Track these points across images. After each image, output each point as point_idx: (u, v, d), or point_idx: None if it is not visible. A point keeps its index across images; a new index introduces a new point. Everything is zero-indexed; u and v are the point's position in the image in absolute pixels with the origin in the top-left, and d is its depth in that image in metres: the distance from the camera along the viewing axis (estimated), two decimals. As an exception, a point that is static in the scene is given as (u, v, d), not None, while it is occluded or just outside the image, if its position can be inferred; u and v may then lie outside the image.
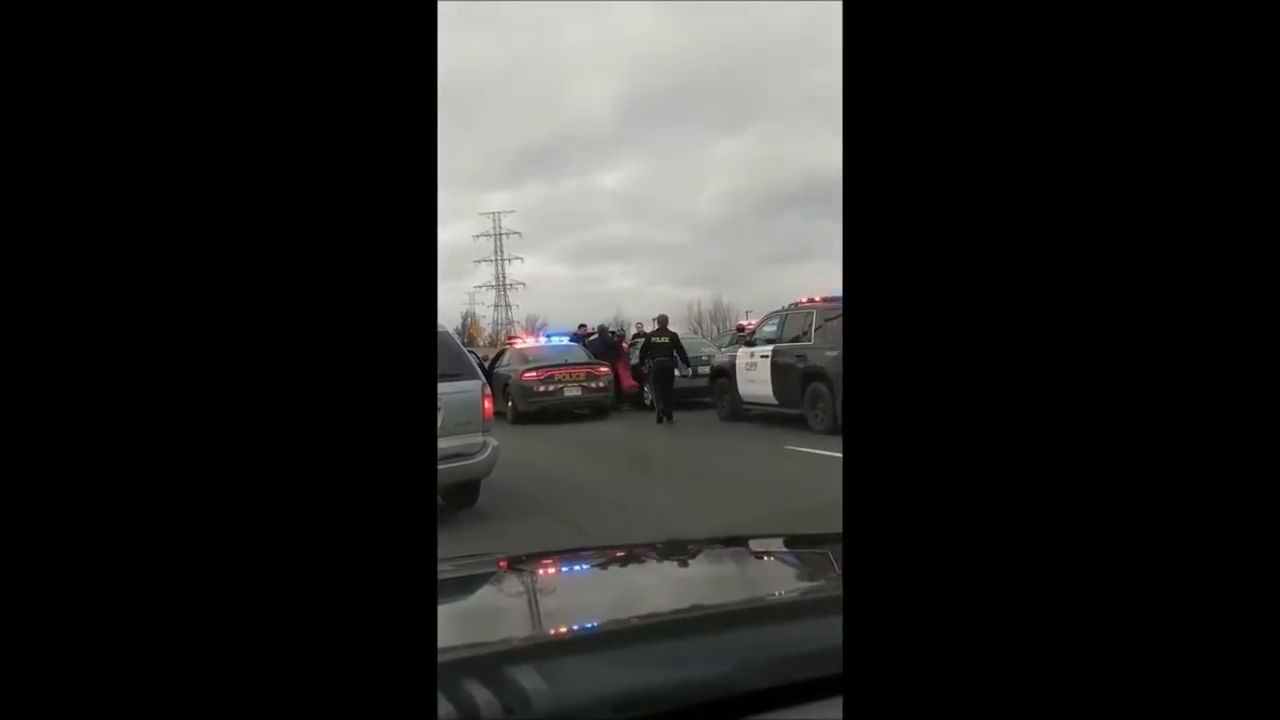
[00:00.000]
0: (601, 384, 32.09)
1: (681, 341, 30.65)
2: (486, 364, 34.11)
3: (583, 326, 39.80)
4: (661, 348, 29.61)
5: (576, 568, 4.01)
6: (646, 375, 30.67)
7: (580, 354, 33.79)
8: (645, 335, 32.60)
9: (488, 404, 15.89)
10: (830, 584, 3.31)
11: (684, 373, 29.80)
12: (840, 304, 24.69)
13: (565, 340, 36.53)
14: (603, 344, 35.51)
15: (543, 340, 37.20)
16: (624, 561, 4.08)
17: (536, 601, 3.36)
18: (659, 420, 28.61)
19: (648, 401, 31.50)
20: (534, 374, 32.54)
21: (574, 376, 31.75)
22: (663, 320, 31.14)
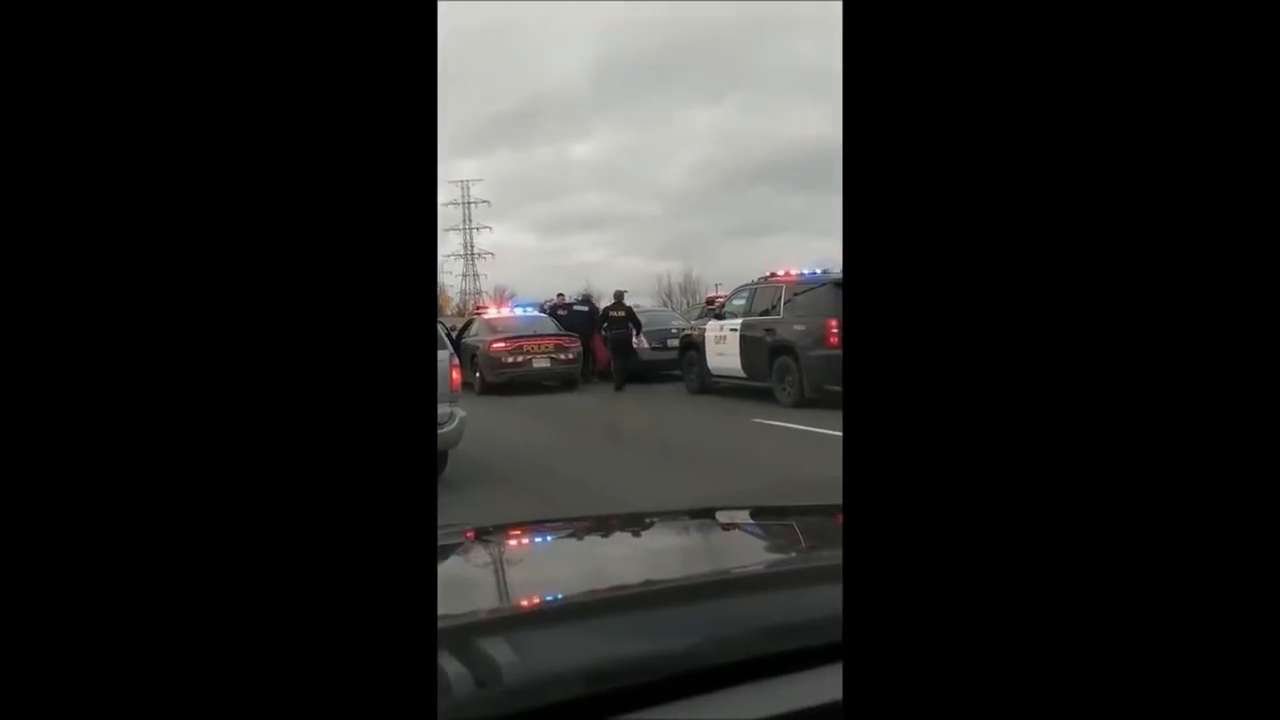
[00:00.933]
0: (570, 356, 31.78)
1: (636, 314, 32.48)
2: (454, 334, 33.27)
3: (560, 296, 38.80)
4: (618, 320, 31.57)
5: (545, 539, 4.00)
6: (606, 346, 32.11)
7: (549, 325, 33.36)
8: (603, 310, 33.33)
9: (455, 374, 15.78)
10: (799, 556, 3.31)
11: (639, 343, 31.67)
12: (810, 279, 24.76)
13: (534, 311, 36.21)
14: (587, 317, 34.65)
15: (511, 311, 36.99)
16: (592, 533, 4.07)
17: (505, 573, 3.34)
18: (618, 388, 30.02)
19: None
20: (502, 345, 32.25)
21: (543, 348, 31.46)
22: (619, 295, 32.62)
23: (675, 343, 31.63)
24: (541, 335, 32.04)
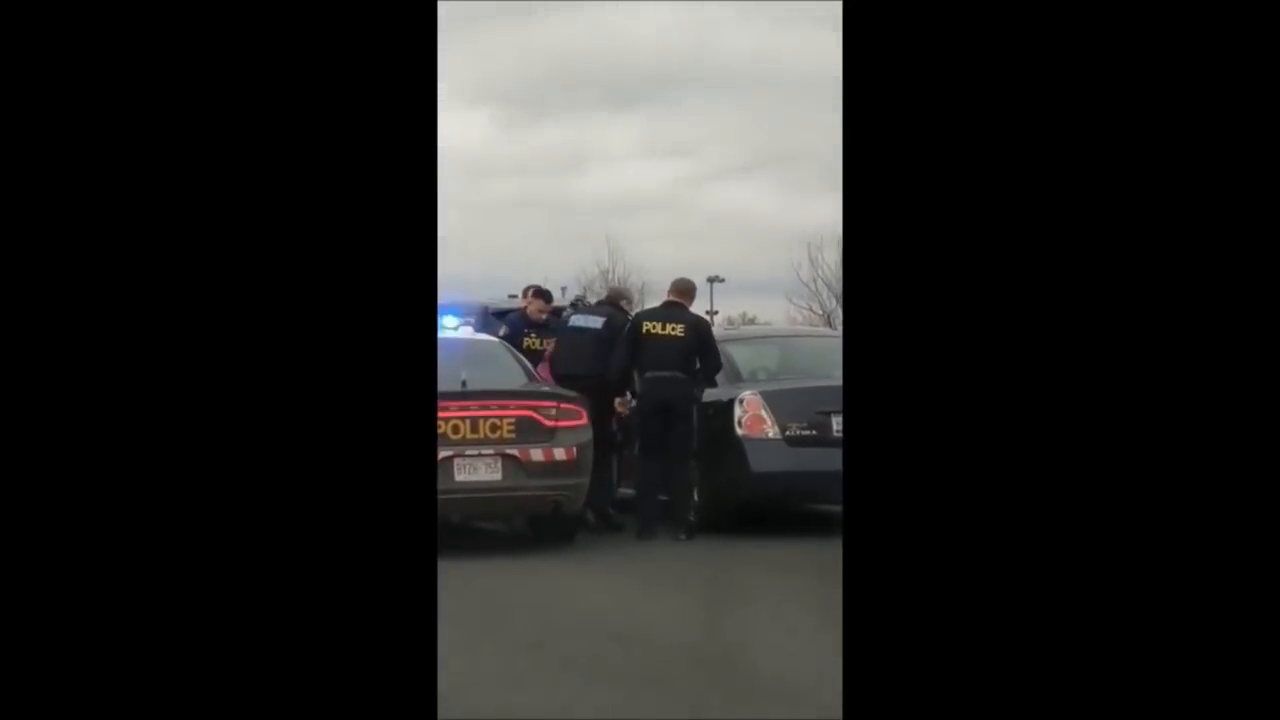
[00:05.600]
0: (562, 452, 12.78)
1: (708, 335, 14.48)
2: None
3: (532, 295, 16.30)
4: (664, 347, 13.49)
5: None
6: (624, 416, 14.20)
7: (504, 362, 14.03)
8: (625, 319, 14.61)
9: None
10: None
11: (698, 397, 13.68)
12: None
13: (464, 325, 16.36)
14: (602, 341, 14.12)
15: None
16: None
17: None
18: (642, 534, 13.38)
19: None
20: None
21: (487, 431, 12.60)
22: (681, 290, 14.38)
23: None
24: (485, 395, 12.84)
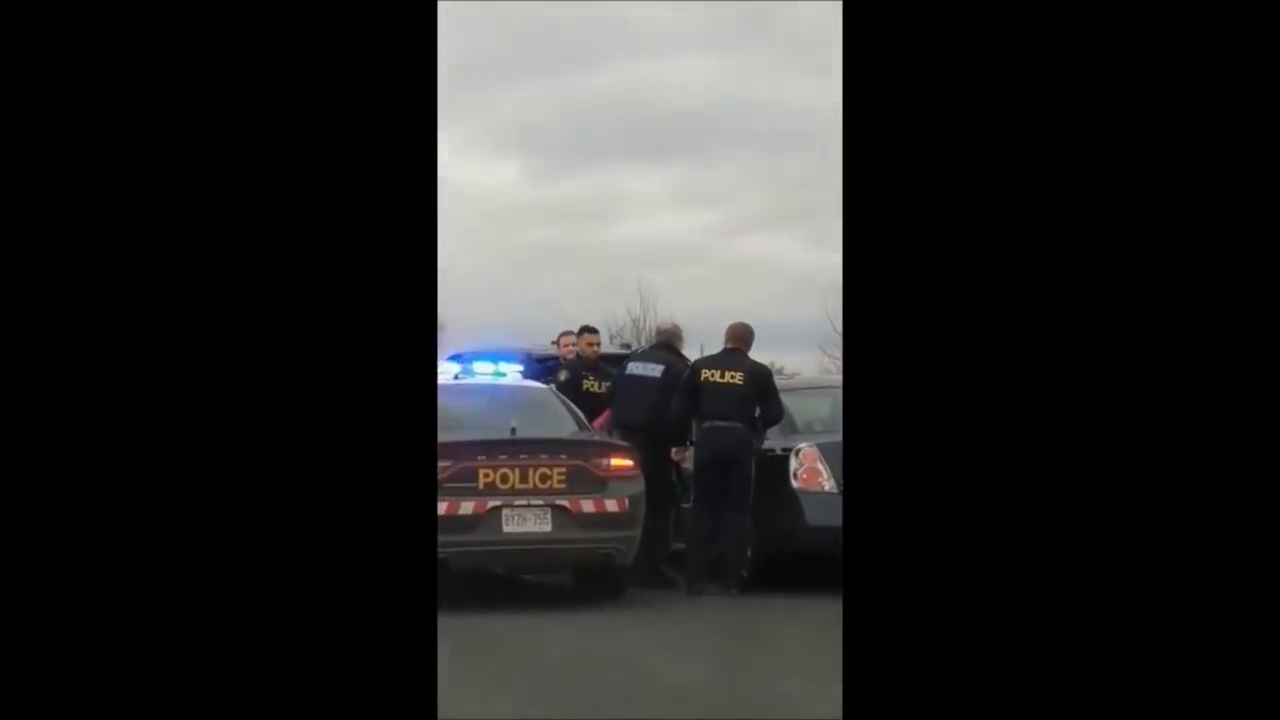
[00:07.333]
0: (615, 504, 12.13)
1: (773, 380, 13.79)
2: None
3: (577, 338, 15.46)
4: (720, 394, 12.75)
5: None
6: (683, 466, 13.51)
7: (553, 411, 13.32)
8: (685, 366, 13.72)
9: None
10: None
11: (757, 448, 12.90)
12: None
13: (515, 372, 14.80)
14: (655, 389, 13.43)
15: (460, 375, 14.87)
16: None
17: None
18: (692, 589, 12.77)
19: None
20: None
21: (534, 481, 11.96)
22: (739, 335, 13.37)
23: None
24: (535, 444, 12.26)
